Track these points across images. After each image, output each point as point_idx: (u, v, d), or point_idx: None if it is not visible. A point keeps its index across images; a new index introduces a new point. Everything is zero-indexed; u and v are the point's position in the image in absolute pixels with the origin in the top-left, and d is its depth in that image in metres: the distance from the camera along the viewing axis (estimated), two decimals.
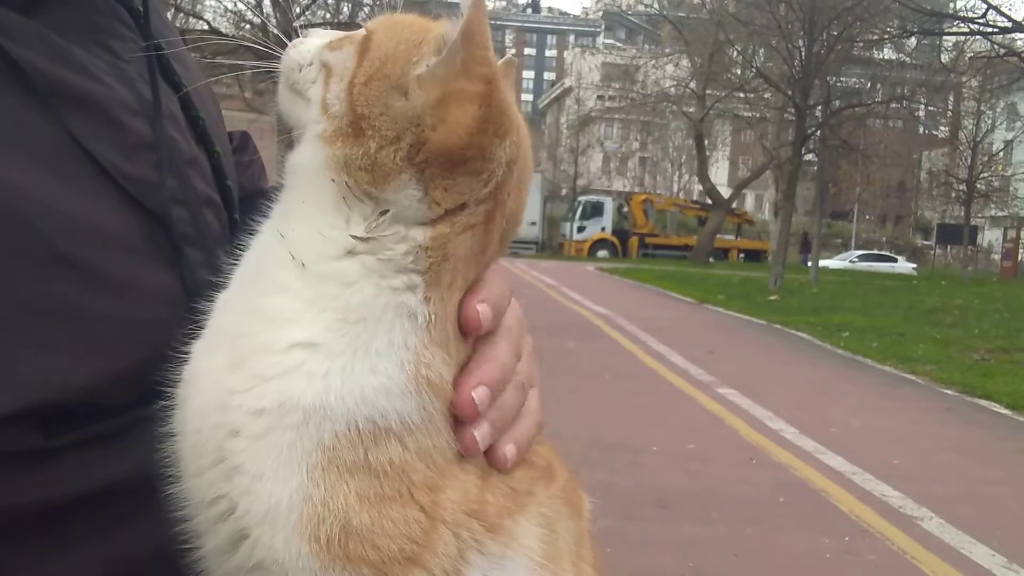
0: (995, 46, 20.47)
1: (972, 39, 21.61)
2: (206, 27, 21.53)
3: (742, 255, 40.20)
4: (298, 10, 22.62)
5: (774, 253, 23.28)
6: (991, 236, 45.84)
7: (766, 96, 27.92)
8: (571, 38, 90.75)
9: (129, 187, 0.65)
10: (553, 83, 79.60)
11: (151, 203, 0.66)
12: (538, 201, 38.64)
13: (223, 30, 21.96)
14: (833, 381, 8.87)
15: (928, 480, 5.31)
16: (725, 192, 39.14)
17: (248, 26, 23.22)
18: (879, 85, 27.19)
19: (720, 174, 51.01)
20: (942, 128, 37.31)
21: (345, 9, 22.15)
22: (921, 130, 38.14)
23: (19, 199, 0.58)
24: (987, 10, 18.48)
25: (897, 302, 18.17)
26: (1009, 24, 18.68)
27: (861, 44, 23.75)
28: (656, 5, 38.36)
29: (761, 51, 26.21)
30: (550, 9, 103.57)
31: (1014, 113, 34.39)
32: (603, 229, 38.94)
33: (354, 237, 0.56)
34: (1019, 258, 36.77)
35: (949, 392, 8.43)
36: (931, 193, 40.86)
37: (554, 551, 0.61)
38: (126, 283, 0.63)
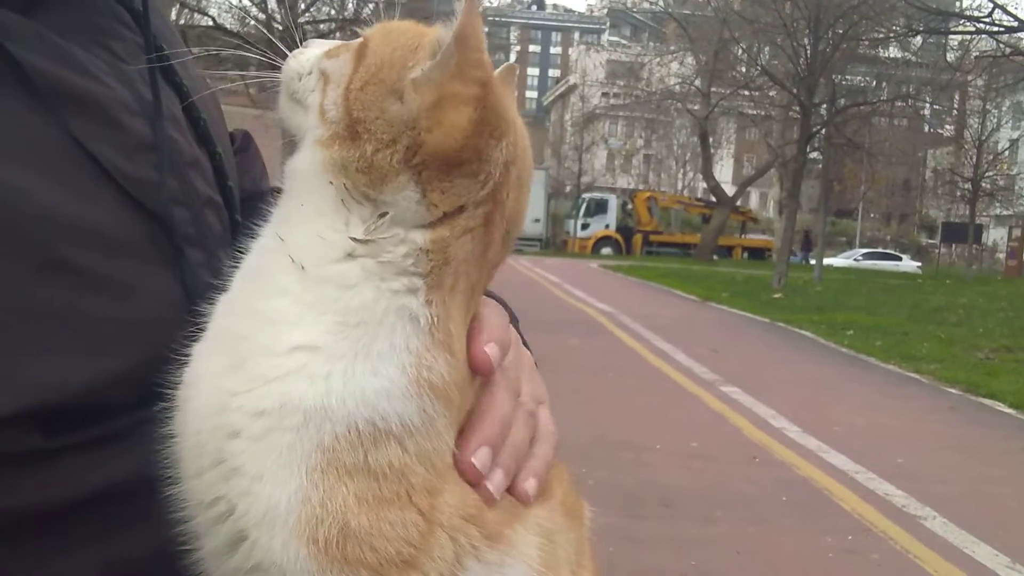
0: (1001, 45, 20.41)
1: (978, 38, 21.57)
2: (211, 23, 21.54)
3: (746, 253, 40.14)
4: (303, 6, 22.63)
5: (778, 251, 23.24)
6: (996, 235, 45.77)
7: (771, 94, 27.86)
8: (576, 35, 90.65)
9: (130, 188, 0.65)
10: (558, 80, 79.59)
11: (152, 204, 0.66)
12: (542, 198, 38.64)
13: (228, 26, 21.98)
14: (837, 380, 8.86)
15: (931, 479, 5.30)
16: (729, 190, 39.08)
17: (253, 22, 23.23)
18: (884, 83, 27.14)
19: (725, 172, 50.95)
20: (947, 127, 37.20)
21: (350, 6, 22.16)
22: (926, 129, 38.00)
23: (18, 202, 0.58)
24: (993, 9, 18.45)
25: (901, 301, 18.14)
26: (1015, 23, 18.64)
27: (867, 42, 23.69)
28: (661, 3, 38.28)
29: (766, 49, 26.16)
30: (555, 6, 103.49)
31: (1019, 112, 34.34)
32: (607, 226, 38.93)
33: (353, 239, 0.56)
34: None
35: (953, 391, 8.41)
36: (936, 192, 40.84)
37: (553, 560, 0.61)
38: (126, 285, 0.63)
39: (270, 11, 22.67)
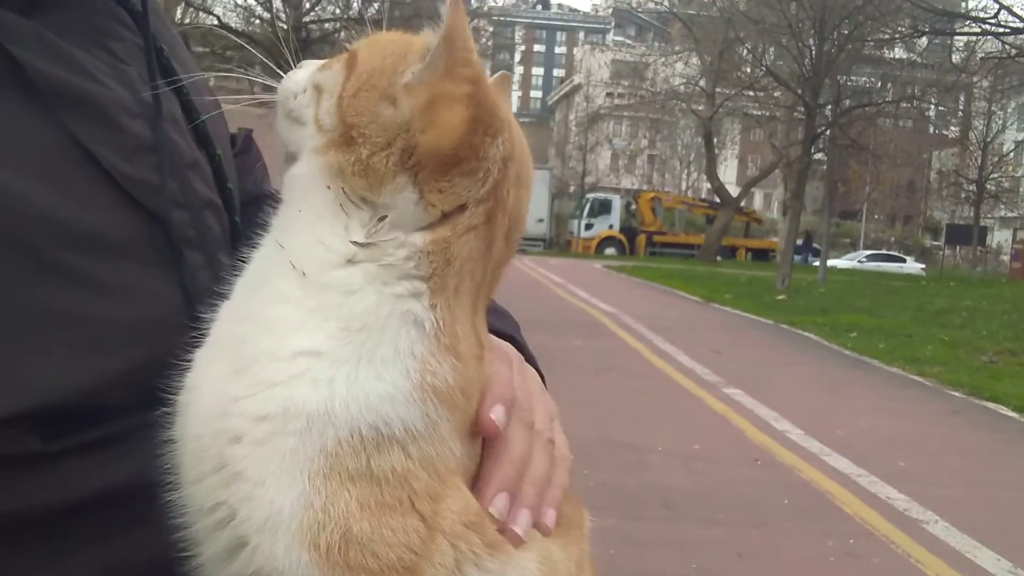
0: (1007, 46, 20.37)
1: (983, 39, 21.52)
2: (216, 22, 21.57)
3: (750, 254, 40.10)
4: (307, 5, 22.65)
5: (782, 252, 23.22)
6: (1000, 237, 45.70)
7: (776, 95, 27.83)
8: (581, 35, 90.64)
9: (130, 189, 0.65)
10: (562, 80, 79.55)
11: (152, 205, 0.66)
12: (546, 198, 38.65)
13: (233, 25, 22.00)
14: (840, 382, 8.84)
15: (934, 483, 5.29)
16: (734, 191, 38.99)
17: (258, 20, 23.25)
18: (890, 84, 27.10)
19: (729, 172, 50.87)
20: (952, 128, 37.14)
21: (355, 5, 22.16)
22: (931, 130, 38.00)
23: (14, 205, 0.58)
24: (999, 10, 18.42)
25: (905, 303, 18.11)
26: (1021, 25, 18.60)
27: (872, 43, 23.67)
28: (666, 2, 38.28)
29: (771, 49, 26.12)
30: (560, 6, 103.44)
31: None
32: (611, 227, 38.91)
33: (354, 243, 0.56)
34: None
35: (956, 394, 8.40)
36: (941, 193, 40.73)
37: (552, 573, 0.61)
38: (125, 287, 0.63)
39: (275, 10, 22.70)
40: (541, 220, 38.05)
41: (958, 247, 41.31)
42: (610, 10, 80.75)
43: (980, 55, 23.61)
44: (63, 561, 0.61)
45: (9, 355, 0.57)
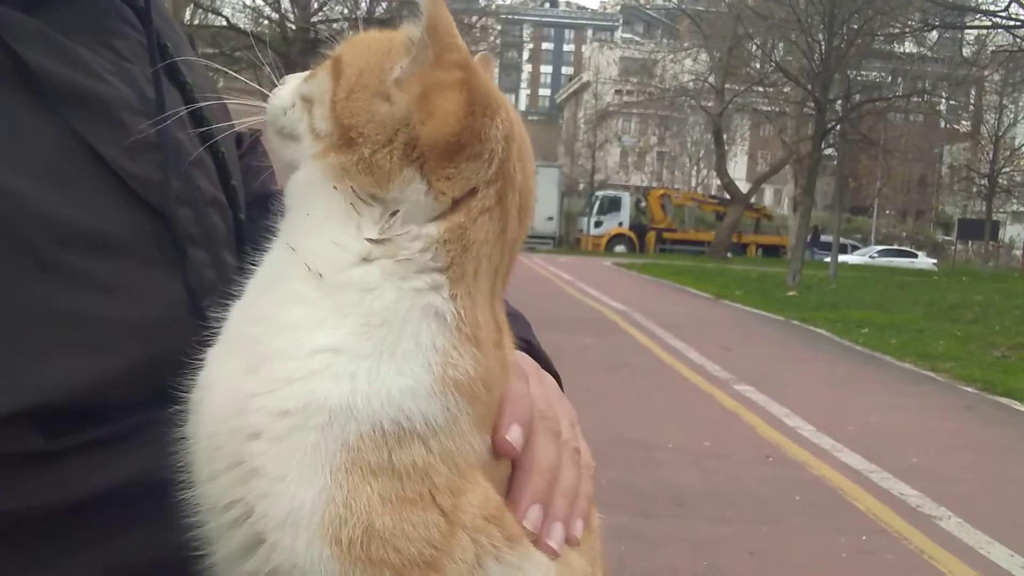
0: (1018, 39, 20.25)
1: (994, 32, 21.40)
2: (225, 22, 21.61)
3: (760, 250, 39.96)
4: (316, 5, 22.67)
5: (792, 248, 23.13)
6: (1013, 231, 45.39)
7: (785, 90, 27.69)
8: (589, 32, 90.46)
9: (135, 187, 0.65)
10: (571, 78, 79.41)
11: (155, 203, 0.66)
12: (555, 196, 38.57)
13: (241, 26, 22.04)
14: (851, 378, 8.81)
15: (947, 479, 5.27)
16: (744, 187, 38.85)
17: (266, 21, 23.29)
18: (900, 79, 26.94)
19: (739, 169, 50.69)
20: (963, 122, 36.93)
21: (363, 4, 22.17)
22: (942, 124, 37.72)
23: (16, 205, 0.58)
24: (1009, 3, 18.29)
25: (917, 298, 18.01)
26: None
27: (882, 38, 23.53)
28: None
29: (780, 45, 26.01)
30: (568, 3, 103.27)
31: None
32: (620, 224, 38.82)
33: (369, 240, 0.56)
34: None
35: (969, 389, 8.35)
36: (952, 188, 40.48)
37: (568, 570, 0.62)
38: (127, 285, 0.63)
39: (284, 11, 22.74)
40: (551, 218, 38.01)
41: (970, 242, 41.08)
42: (618, 7, 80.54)
43: (991, 48, 23.49)
44: (65, 561, 0.61)
45: (9, 354, 0.57)
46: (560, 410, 0.69)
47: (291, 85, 0.62)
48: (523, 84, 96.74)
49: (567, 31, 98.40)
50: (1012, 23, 18.90)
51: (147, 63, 0.72)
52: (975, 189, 34.24)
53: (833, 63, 21.03)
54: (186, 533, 0.58)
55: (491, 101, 0.58)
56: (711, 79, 34.38)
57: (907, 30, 22.23)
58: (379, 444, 0.54)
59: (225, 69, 0.83)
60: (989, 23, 19.97)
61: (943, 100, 28.84)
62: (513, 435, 0.60)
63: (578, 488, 0.66)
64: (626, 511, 4.24)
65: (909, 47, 26.41)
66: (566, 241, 41.60)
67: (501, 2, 38.10)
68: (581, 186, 49.91)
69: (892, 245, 45.09)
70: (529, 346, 0.78)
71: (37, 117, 0.61)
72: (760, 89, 30.22)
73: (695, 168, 52.92)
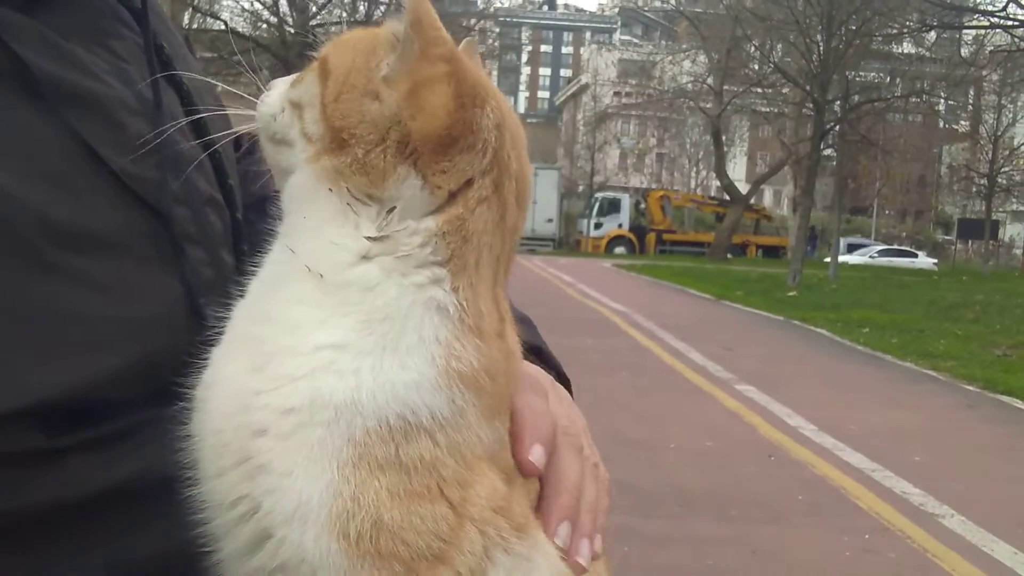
0: (1016, 39, 20.27)
1: (992, 32, 21.41)
2: (223, 26, 21.62)
3: (760, 251, 39.97)
4: (314, 9, 22.70)
5: (793, 249, 23.14)
6: (1013, 231, 45.42)
7: (784, 91, 27.73)
8: (587, 35, 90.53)
9: (133, 186, 0.65)
10: (570, 80, 79.50)
11: (153, 202, 0.67)
12: (555, 198, 38.57)
13: (240, 30, 22.06)
14: (852, 378, 8.81)
15: (949, 477, 5.27)
16: (743, 188, 38.87)
17: (265, 25, 23.32)
18: (898, 79, 26.96)
19: (738, 170, 50.70)
20: (962, 122, 36.95)
21: (361, 8, 22.20)
22: (941, 124, 37.75)
23: (13, 206, 0.58)
24: (1007, 3, 18.31)
25: (917, 298, 18.03)
26: None
27: (880, 38, 23.55)
28: (673, 1, 38.23)
29: (779, 46, 26.05)
30: (566, 6, 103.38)
31: None
32: (620, 226, 38.81)
33: (368, 239, 0.56)
34: None
35: (970, 388, 8.35)
36: (951, 188, 40.50)
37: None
38: (124, 284, 0.64)
39: (282, 15, 22.77)
40: (550, 220, 37.99)
41: (970, 241, 41.09)
42: (616, 9, 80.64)
43: (989, 48, 23.50)
44: (67, 559, 0.61)
45: (9, 353, 0.57)
46: (580, 424, 0.71)
47: (278, 91, 0.62)
48: (522, 87, 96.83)
49: (565, 33, 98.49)
50: (1010, 23, 18.92)
51: (144, 64, 0.72)
52: (974, 189, 34.25)
53: (832, 64, 21.06)
54: (189, 530, 0.58)
55: (480, 91, 0.58)
56: (710, 80, 34.41)
57: (905, 31, 22.24)
58: (385, 439, 0.54)
59: (219, 83, 0.83)
60: (987, 23, 20.00)
61: (942, 100, 28.88)
62: (535, 455, 0.62)
63: (598, 503, 0.67)
64: (629, 511, 4.24)
65: (907, 47, 26.44)
66: (566, 243, 41.60)
67: (499, 5, 38.14)
68: (580, 188, 49.92)
69: (892, 245, 45.06)
70: (540, 352, 0.79)
71: (35, 118, 0.61)
72: (759, 90, 30.25)
73: (694, 169, 52.96)
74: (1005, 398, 7.91)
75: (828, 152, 25.51)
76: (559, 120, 67.55)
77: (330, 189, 0.57)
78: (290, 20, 22.44)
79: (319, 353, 0.55)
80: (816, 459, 5.53)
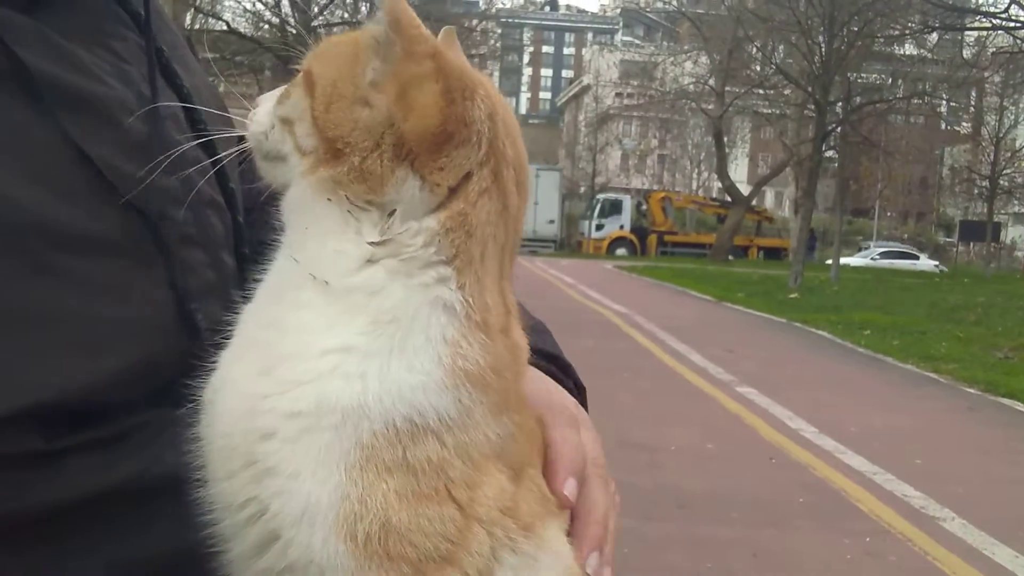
0: (1018, 41, 20.26)
1: (994, 34, 21.40)
2: (225, 27, 21.64)
3: (761, 253, 39.96)
4: (316, 9, 22.71)
5: (794, 251, 23.13)
6: (1015, 233, 45.36)
7: (786, 92, 27.73)
8: (589, 36, 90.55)
9: (130, 187, 0.65)
10: (571, 81, 79.47)
11: (140, 204, 0.66)
12: (556, 199, 38.58)
13: (242, 30, 22.07)
14: (854, 380, 8.81)
15: (950, 480, 5.26)
16: (745, 189, 38.83)
17: (267, 26, 23.33)
18: (900, 81, 26.95)
19: (740, 171, 50.66)
20: (964, 124, 36.92)
21: (363, 9, 22.20)
22: (943, 126, 37.75)
23: (11, 208, 0.58)
24: (1010, 4, 18.31)
25: (919, 300, 18.02)
26: None
27: (882, 40, 23.55)
28: (675, 2, 38.19)
29: (781, 47, 26.05)
30: (568, 7, 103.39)
31: None
32: (622, 227, 38.81)
33: (371, 244, 0.56)
34: None
35: (972, 391, 8.34)
36: (953, 190, 40.45)
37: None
38: (121, 286, 0.64)
39: (284, 15, 22.78)
40: (552, 221, 37.99)
41: (972, 243, 41.05)
42: (618, 10, 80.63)
43: (991, 50, 23.49)
44: (66, 560, 0.61)
45: (7, 355, 0.57)
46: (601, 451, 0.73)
47: (265, 107, 0.62)
48: (523, 88, 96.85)
49: (567, 34, 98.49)
50: (1012, 24, 18.92)
51: (144, 65, 0.72)
52: (976, 191, 34.22)
53: (833, 65, 21.05)
54: (189, 530, 0.58)
55: (467, 82, 0.57)
56: (711, 82, 34.39)
57: (907, 32, 22.25)
58: (393, 441, 0.54)
59: (220, 82, 0.83)
60: (989, 24, 19.99)
61: (944, 102, 28.88)
62: (569, 488, 0.65)
63: (616, 529, 0.71)
64: (629, 513, 4.23)
65: (909, 49, 26.45)
66: (567, 244, 41.60)
67: (501, 6, 38.16)
68: (582, 189, 49.94)
69: (895, 247, 45.00)
70: (557, 361, 0.81)
71: (33, 119, 0.62)
72: (760, 92, 30.25)
73: (696, 171, 52.95)
74: (1007, 401, 7.90)
75: (830, 154, 25.51)
76: (561, 121, 67.56)
77: (329, 199, 0.57)
78: (292, 20, 22.45)
79: (325, 357, 0.55)
80: (817, 461, 5.53)
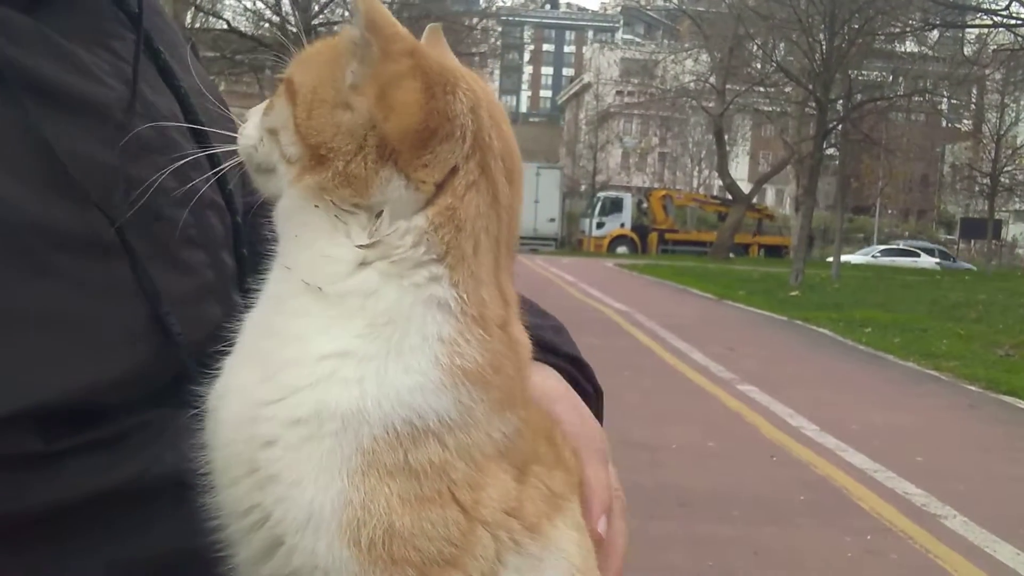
0: (1019, 38, 20.23)
1: (995, 31, 21.39)
2: (225, 26, 21.64)
3: (762, 250, 39.94)
4: (316, 8, 22.70)
5: (795, 248, 23.11)
6: (1016, 230, 45.33)
7: (787, 90, 27.69)
8: (590, 34, 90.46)
9: (84, 182, 0.64)
10: (572, 79, 79.45)
11: (104, 204, 0.65)
12: (557, 197, 38.57)
13: (242, 29, 22.07)
14: (855, 377, 8.81)
15: (951, 477, 5.26)
16: (745, 187, 38.81)
17: (267, 24, 23.33)
18: (901, 78, 26.92)
19: (740, 169, 50.59)
20: (965, 121, 36.91)
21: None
22: (944, 123, 37.75)
23: (9, 209, 0.59)
24: (1010, 2, 18.27)
25: (920, 297, 18.01)
26: None
27: (883, 37, 23.51)
28: (675, 0, 38.18)
29: (781, 45, 26.00)
30: (569, 5, 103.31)
31: None
32: (622, 225, 38.80)
33: (360, 247, 0.56)
34: None
35: (973, 388, 8.34)
36: (954, 187, 40.44)
37: (589, 555, 0.63)
38: (121, 287, 0.64)
39: (284, 14, 22.78)
40: (552, 219, 37.97)
41: (973, 241, 41.04)
42: (619, 8, 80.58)
43: (992, 47, 23.47)
44: (66, 561, 0.62)
45: (6, 356, 0.57)
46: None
47: (254, 120, 0.62)
48: (524, 86, 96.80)
49: (568, 32, 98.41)
50: (1013, 22, 18.89)
51: (146, 65, 0.73)
52: (977, 188, 34.21)
53: (834, 63, 21.01)
54: (189, 531, 0.59)
55: (448, 76, 0.57)
56: (712, 79, 34.38)
57: (908, 29, 22.22)
58: (393, 445, 0.54)
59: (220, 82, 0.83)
60: (990, 22, 19.96)
61: (945, 99, 28.85)
62: (602, 527, 0.68)
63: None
64: (630, 512, 4.20)
65: (910, 46, 26.40)
66: (568, 243, 41.58)
67: (501, 4, 38.14)
68: (583, 187, 49.92)
69: (900, 245, 44.97)
70: (576, 362, 0.84)
71: (28, 120, 0.61)
72: (761, 89, 30.24)
73: (697, 169, 52.90)
74: (1008, 398, 7.90)
75: (831, 151, 25.48)
76: (561, 119, 67.55)
77: (316, 205, 0.57)
78: (292, 19, 22.44)
79: (322, 363, 0.55)
80: (818, 459, 5.53)
